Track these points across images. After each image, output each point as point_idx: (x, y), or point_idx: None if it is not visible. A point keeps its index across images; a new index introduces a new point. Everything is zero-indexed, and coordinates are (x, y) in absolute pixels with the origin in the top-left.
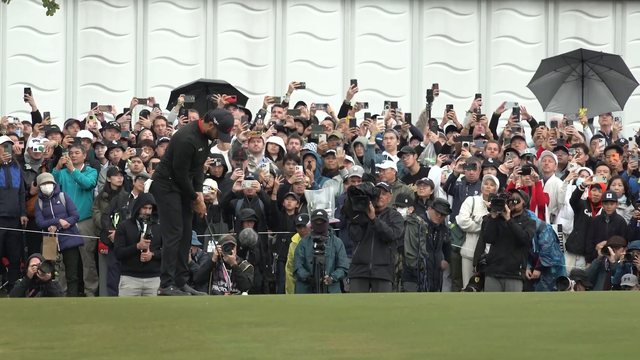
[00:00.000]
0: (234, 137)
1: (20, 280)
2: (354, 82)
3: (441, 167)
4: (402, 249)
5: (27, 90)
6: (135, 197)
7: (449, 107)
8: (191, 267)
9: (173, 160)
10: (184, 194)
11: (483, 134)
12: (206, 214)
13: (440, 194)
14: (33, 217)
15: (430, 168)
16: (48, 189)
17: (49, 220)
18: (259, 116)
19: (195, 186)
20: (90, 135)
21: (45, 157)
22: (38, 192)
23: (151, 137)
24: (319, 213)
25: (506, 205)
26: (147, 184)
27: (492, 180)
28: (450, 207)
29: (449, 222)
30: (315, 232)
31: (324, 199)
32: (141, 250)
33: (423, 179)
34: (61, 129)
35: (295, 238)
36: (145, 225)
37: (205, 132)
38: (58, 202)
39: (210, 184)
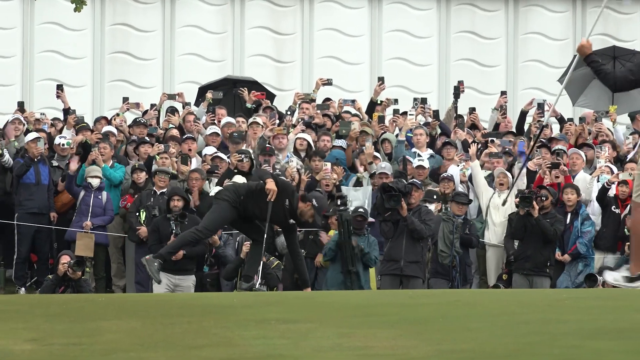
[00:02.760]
0: (261, 134)
1: (50, 277)
2: (381, 80)
3: (459, 165)
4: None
5: (60, 87)
6: (158, 194)
7: (472, 110)
8: (218, 249)
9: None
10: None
11: (510, 131)
12: (271, 198)
13: (460, 188)
14: (62, 213)
15: None
16: (95, 181)
17: (81, 218)
18: (288, 113)
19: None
20: (114, 130)
21: (70, 153)
22: (83, 183)
23: (178, 135)
24: (360, 210)
25: (534, 202)
26: (216, 189)
27: (504, 173)
28: (470, 198)
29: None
30: (355, 227)
31: (360, 197)
32: None
33: (445, 174)
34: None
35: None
36: (175, 225)
37: (300, 210)
38: (99, 197)
39: (238, 180)
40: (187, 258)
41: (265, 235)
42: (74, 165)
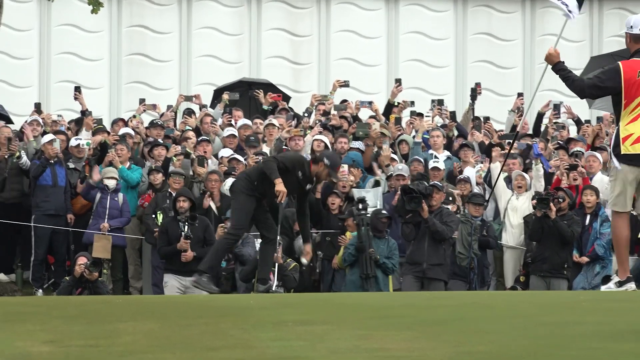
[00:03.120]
0: (278, 135)
1: (67, 278)
2: (398, 82)
3: (474, 167)
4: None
5: (77, 89)
6: (174, 195)
7: (486, 119)
8: (235, 249)
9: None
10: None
11: (527, 133)
12: (283, 201)
13: (475, 190)
14: (79, 215)
15: None
16: (111, 183)
17: (98, 220)
18: (305, 114)
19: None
20: (131, 132)
21: (89, 155)
22: (99, 185)
23: (194, 137)
24: (384, 212)
25: (551, 204)
26: (229, 182)
27: (522, 175)
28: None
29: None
30: (375, 229)
31: (372, 198)
32: (182, 250)
33: (462, 176)
34: (107, 127)
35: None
36: (185, 226)
37: (314, 173)
38: (116, 198)
39: None
40: (198, 259)
41: (277, 235)
42: (96, 176)
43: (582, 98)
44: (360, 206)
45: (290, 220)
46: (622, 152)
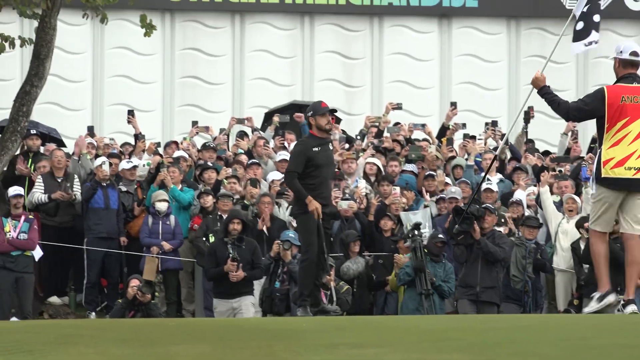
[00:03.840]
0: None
1: (120, 301)
2: (453, 105)
3: (525, 190)
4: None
5: (131, 112)
6: (224, 218)
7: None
8: (289, 265)
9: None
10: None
11: (580, 156)
12: (320, 217)
13: (527, 212)
14: (134, 238)
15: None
16: (162, 206)
17: (152, 240)
18: (358, 137)
19: (319, 197)
20: (185, 155)
21: (139, 178)
22: (150, 209)
23: (246, 160)
24: (440, 236)
25: None
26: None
27: (572, 199)
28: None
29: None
30: (431, 252)
31: (420, 220)
32: (229, 272)
33: (514, 199)
34: (160, 150)
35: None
36: (232, 249)
37: (316, 127)
38: (167, 222)
39: None
40: (247, 280)
41: (325, 254)
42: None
43: (567, 121)
44: (416, 232)
45: (345, 241)
46: (602, 176)
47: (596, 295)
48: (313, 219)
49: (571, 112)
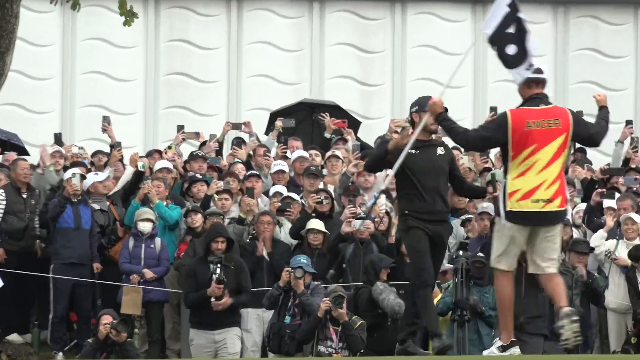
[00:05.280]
0: (344, 170)
1: (90, 341)
2: (493, 110)
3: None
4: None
5: (106, 119)
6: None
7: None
8: (302, 296)
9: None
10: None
11: (634, 167)
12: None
13: (575, 234)
14: (112, 264)
15: None
16: (146, 227)
17: (133, 266)
18: None
19: (418, 212)
20: (170, 166)
21: (108, 192)
22: (132, 229)
23: (242, 171)
24: (479, 255)
25: None
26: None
27: (631, 219)
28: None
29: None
30: (475, 276)
31: None
32: (212, 298)
33: None
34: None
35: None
36: (217, 269)
37: (423, 126)
38: (152, 245)
39: (316, 225)
40: (233, 308)
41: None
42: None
43: (467, 150)
44: (461, 252)
45: (377, 266)
46: (507, 209)
47: (497, 343)
48: (423, 235)
49: (471, 141)
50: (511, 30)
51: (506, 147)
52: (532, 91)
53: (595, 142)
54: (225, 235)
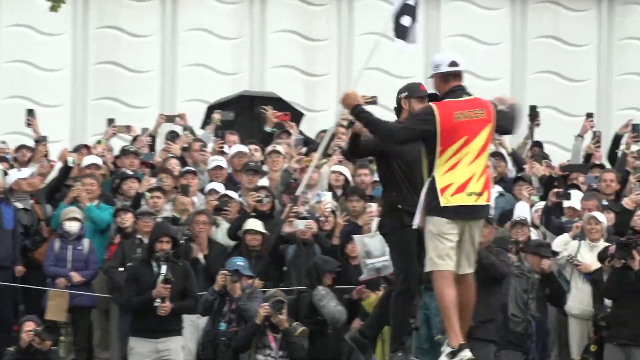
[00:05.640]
0: (285, 166)
1: (11, 349)
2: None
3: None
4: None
5: (30, 112)
6: (144, 242)
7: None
8: (238, 301)
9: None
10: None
11: (597, 164)
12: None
13: (534, 235)
14: (35, 267)
15: None
16: (73, 227)
17: (59, 269)
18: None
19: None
20: (99, 162)
21: (33, 190)
22: (58, 230)
23: (177, 167)
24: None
25: (634, 252)
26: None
27: (595, 219)
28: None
29: None
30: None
31: (379, 246)
32: (157, 301)
33: (518, 217)
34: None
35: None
36: (163, 266)
37: (409, 113)
38: (80, 247)
39: (254, 225)
40: (175, 314)
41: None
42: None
43: (389, 144)
44: None
45: (320, 270)
46: (441, 205)
47: (446, 350)
48: (412, 236)
49: (396, 133)
50: (411, 2)
51: (433, 142)
52: (450, 84)
53: (510, 130)
54: (171, 235)
